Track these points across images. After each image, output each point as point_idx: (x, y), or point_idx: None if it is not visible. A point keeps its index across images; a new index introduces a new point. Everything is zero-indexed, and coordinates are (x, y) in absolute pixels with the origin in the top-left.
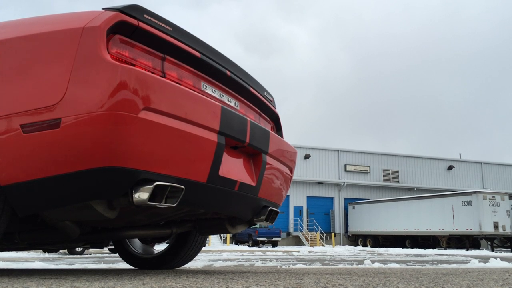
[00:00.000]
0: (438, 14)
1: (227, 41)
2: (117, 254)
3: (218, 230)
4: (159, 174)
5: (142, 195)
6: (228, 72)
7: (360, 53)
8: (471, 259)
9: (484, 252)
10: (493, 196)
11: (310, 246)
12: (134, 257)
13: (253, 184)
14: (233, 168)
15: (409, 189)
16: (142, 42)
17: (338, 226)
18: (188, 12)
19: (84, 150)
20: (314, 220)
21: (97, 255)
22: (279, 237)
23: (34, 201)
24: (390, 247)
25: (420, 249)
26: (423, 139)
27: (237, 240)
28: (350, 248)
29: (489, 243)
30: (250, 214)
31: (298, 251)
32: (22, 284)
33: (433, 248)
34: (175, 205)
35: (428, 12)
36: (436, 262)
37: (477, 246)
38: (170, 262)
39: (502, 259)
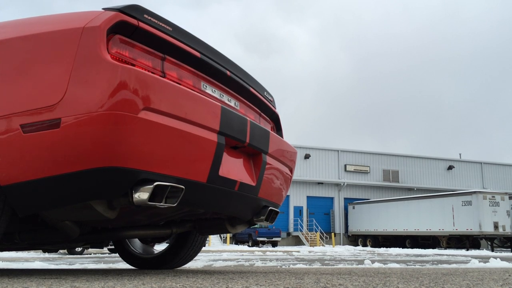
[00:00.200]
0: (438, 14)
1: (227, 41)
2: (117, 254)
3: (218, 230)
4: (159, 174)
5: (142, 195)
6: (228, 72)
7: (360, 53)
8: (471, 259)
9: (484, 252)
10: (493, 196)
11: (310, 246)
12: (134, 257)
13: (253, 184)
14: (233, 168)
15: (409, 189)
16: (142, 42)
17: (338, 226)
18: (188, 12)
19: (84, 150)
20: (314, 220)
21: (97, 255)
22: (279, 237)
23: (34, 201)
24: (390, 247)
25: (420, 249)
26: (423, 139)
27: (237, 240)
28: (350, 248)
29: (489, 243)
30: (250, 214)
31: (298, 251)
32: (22, 284)
33: (433, 248)
34: (175, 205)
35: (428, 12)
36: (436, 262)
37: (477, 246)
38: (170, 262)
39: (502, 259)
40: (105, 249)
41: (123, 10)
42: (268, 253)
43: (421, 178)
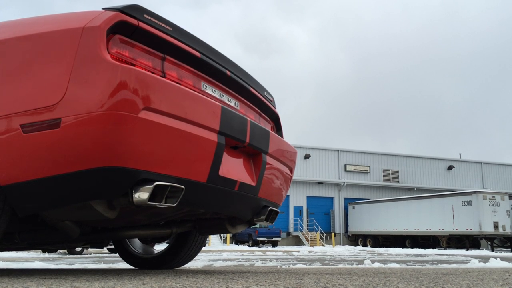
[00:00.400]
0: (438, 14)
1: (226, 41)
2: (117, 254)
3: (218, 230)
4: (159, 174)
5: (142, 195)
6: (228, 72)
7: (359, 53)
8: (471, 259)
9: (484, 252)
10: (493, 196)
11: (310, 246)
12: (134, 257)
13: (253, 184)
14: (233, 168)
15: (409, 189)
16: (142, 42)
17: (338, 226)
18: (187, 12)
19: (84, 150)
20: (314, 220)
21: (97, 255)
22: (279, 237)
23: (34, 201)
24: (390, 247)
25: (420, 249)
26: (423, 139)
27: (237, 240)
28: (350, 248)
29: (489, 243)
30: (250, 214)
31: (298, 251)
32: (22, 284)
33: (433, 248)
34: (175, 205)
35: (428, 12)
36: (436, 262)
37: (477, 246)
38: (170, 262)
39: (502, 259)
40: (105, 249)
41: (123, 10)
42: (268, 253)
43: (421, 178)
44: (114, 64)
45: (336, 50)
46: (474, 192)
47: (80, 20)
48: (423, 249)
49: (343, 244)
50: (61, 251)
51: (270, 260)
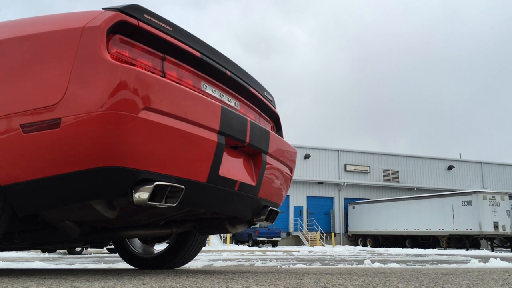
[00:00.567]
0: (438, 14)
1: (226, 41)
2: (117, 254)
3: (218, 230)
4: (159, 174)
5: (142, 195)
6: (228, 72)
7: (359, 53)
8: (471, 259)
9: (484, 252)
10: (493, 196)
11: (310, 246)
12: (134, 257)
13: (253, 184)
14: (233, 168)
15: (409, 189)
16: (142, 42)
17: (338, 226)
18: (187, 12)
19: (84, 150)
20: (314, 220)
21: (97, 255)
22: (279, 237)
23: (34, 201)
24: (390, 247)
25: (420, 249)
26: (423, 139)
27: (237, 240)
28: (350, 248)
29: (489, 243)
30: (250, 214)
31: (298, 251)
32: (22, 284)
33: (433, 248)
34: (175, 205)
35: (428, 12)
36: (436, 262)
37: (477, 246)
38: (170, 262)
39: (502, 259)
40: (105, 249)
41: (123, 10)
42: (268, 253)
43: (421, 178)
44: (114, 64)
45: (336, 50)
46: (474, 192)
47: (80, 20)
48: (423, 249)
49: (343, 244)
50: (61, 251)
51: (270, 260)
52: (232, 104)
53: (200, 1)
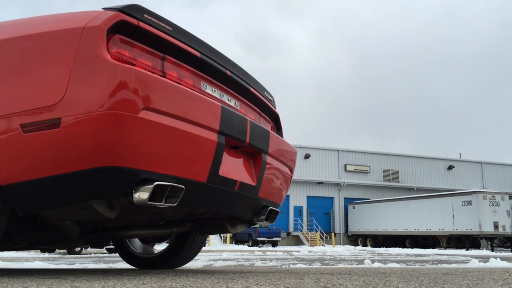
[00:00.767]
0: (438, 14)
1: (226, 41)
2: (117, 254)
3: (218, 230)
4: (159, 174)
5: (142, 195)
6: (228, 72)
7: (359, 53)
8: (471, 259)
9: (484, 252)
10: (493, 196)
11: (310, 246)
12: (134, 257)
13: (253, 184)
14: (233, 168)
15: (409, 189)
16: (142, 42)
17: (338, 226)
18: (187, 12)
19: (84, 150)
20: (314, 220)
21: (97, 255)
22: (279, 237)
23: (34, 201)
24: (390, 247)
25: (420, 249)
26: (423, 139)
27: (237, 240)
28: (350, 248)
29: (489, 243)
30: (250, 214)
31: (298, 251)
32: (22, 284)
33: (433, 248)
34: (175, 205)
35: (428, 12)
36: (436, 262)
37: (477, 246)
38: (170, 262)
39: (502, 259)
40: (104, 249)
41: (123, 10)
42: (268, 253)
43: (421, 178)
44: (114, 64)
45: (336, 50)
46: (474, 192)
47: (80, 20)
48: (423, 249)
49: (343, 244)
50: (61, 251)
51: (270, 260)
52: (232, 104)
53: (200, 1)
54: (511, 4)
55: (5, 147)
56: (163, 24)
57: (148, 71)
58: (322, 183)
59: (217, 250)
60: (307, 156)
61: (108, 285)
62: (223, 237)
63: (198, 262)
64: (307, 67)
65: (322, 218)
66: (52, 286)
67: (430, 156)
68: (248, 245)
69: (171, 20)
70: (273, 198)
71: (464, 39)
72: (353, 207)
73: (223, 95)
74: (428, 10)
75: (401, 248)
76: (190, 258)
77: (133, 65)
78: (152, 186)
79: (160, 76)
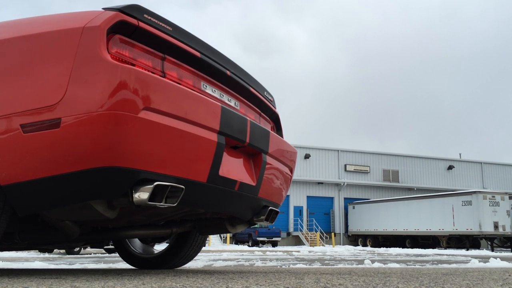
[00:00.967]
0: (437, 14)
1: (226, 41)
2: (116, 254)
3: (218, 230)
4: (159, 174)
5: (142, 195)
6: (228, 72)
7: (359, 53)
8: (471, 259)
9: (484, 252)
10: (493, 196)
11: (310, 246)
12: (134, 257)
13: (253, 184)
14: (233, 168)
15: (409, 189)
16: (142, 42)
17: (338, 226)
18: (186, 12)
19: (84, 150)
20: (314, 220)
21: (97, 255)
22: (279, 237)
23: (34, 201)
24: (390, 247)
25: (420, 249)
26: (423, 139)
27: (237, 240)
28: (350, 248)
29: (489, 243)
30: (250, 214)
31: (298, 251)
32: (22, 284)
33: (433, 248)
34: (175, 205)
35: (427, 12)
36: (436, 262)
37: (477, 246)
38: (170, 262)
39: (502, 259)
40: (103, 249)
41: (123, 10)
42: (268, 253)
43: (421, 178)
44: (114, 64)
45: (335, 50)
46: (474, 192)
47: (80, 20)
48: (423, 249)
49: (343, 244)
50: (60, 251)
51: (270, 260)
52: (232, 104)
53: (199, 1)
54: (510, 4)
55: (5, 147)
56: (163, 24)
57: (148, 71)
58: (322, 183)
59: (217, 250)
60: (307, 156)
61: (108, 285)
62: (223, 237)
63: (198, 262)
64: (306, 67)
65: (322, 218)
66: (52, 286)
67: (430, 156)
68: (248, 245)
69: (171, 20)
70: (273, 198)
71: (464, 39)
72: (353, 207)
73: (223, 95)
74: (427, 10)
75: (401, 248)
76: (190, 258)
77: (133, 65)
78: (152, 186)
79: (160, 76)
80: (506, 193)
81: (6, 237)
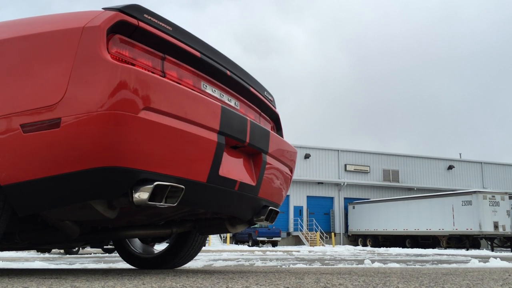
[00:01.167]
0: (437, 14)
1: (225, 41)
2: (116, 254)
3: (218, 230)
4: (159, 174)
5: (142, 195)
6: (228, 72)
7: (358, 53)
8: (471, 259)
9: (484, 252)
10: (493, 196)
11: (310, 246)
12: (134, 256)
13: (253, 184)
14: (233, 168)
15: (409, 189)
16: (142, 42)
17: (338, 226)
18: (186, 12)
19: (84, 150)
20: (314, 220)
21: (97, 255)
22: (279, 237)
23: (34, 201)
24: (390, 247)
25: (420, 249)
26: (423, 139)
27: (237, 240)
28: (350, 248)
29: (489, 243)
30: (250, 214)
31: (298, 251)
32: (22, 284)
33: (433, 248)
34: (175, 205)
35: (427, 12)
36: (436, 262)
37: (477, 246)
38: (170, 261)
39: (502, 259)
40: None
41: (123, 10)
42: (268, 253)
43: (421, 178)
44: (114, 64)
45: (335, 50)
46: (474, 192)
47: (80, 20)
48: (423, 249)
49: (343, 244)
50: (59, 250)
51: (270, 260)
52: (232, 104)
53: (199, 1)
54: (510, 4)
55: (5, 147)
56: (163, 24)
57: (148, 71)
58: (322, 183)
59: (217, 250)
60: (307, 156)
61: (108, 285)
62: (223, 237)
63: (198, 262)
64: (306, 67)
65: (322, 218)
66: (52, 286)
67: (430, 156)
68: (248, 245)
69: (171, 20)
70: (273, 198)
71: (464, 39)
72: (353, 207)
73: (223, 95)
74: (427, 10)
75: (401, 248)
76: (190, 258)
77: (133, 65)
78: (152, 186)
79: (160, 76)
80: (506, 193)
81: (6, 237)
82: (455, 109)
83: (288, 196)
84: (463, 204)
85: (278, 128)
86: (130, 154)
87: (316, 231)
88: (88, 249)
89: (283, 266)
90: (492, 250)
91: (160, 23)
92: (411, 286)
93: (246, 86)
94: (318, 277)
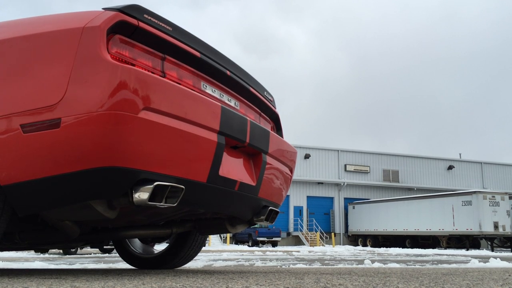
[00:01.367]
0: (437, 14)
1: (225, 41)
2: (116, 254)
3: (218, 230)
4: (159, 174)
5: (142, 195)
6: (228, 72)
7: (358, 53)
8: (471, 259)
9: (484, 252)
10: (493, 196)
11: (310, 246)
12: (134, 257)
13: (253, 184)
14: (233, 168)
15: (409, 189)
16: (142, 42)
17: (338, 226)
18: (186, 13)
19: (84, 150)
20: (314, 220)
21: (97, 255)
22: (279, 237)
23: (34, 201)
24: (390, 247)
25: (420, 249)
26: (423, 139)
27: (237, 240)
28: (350, 248)
29: (489, 243)
30: (250, 214)
31: (298, 251)
32: (22, 284)
33: (433, 248)
34: (175, 205)
35: (427, 12)
36: (436, 262)
37: (477, 246)
38: (170, 262)
39: (502, 259)
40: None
41: (123, 10)
42: (268, 253)
43: (421, 178)
44: (114, 64)
45: (335, 50)
46: (474, 192)
47: (80, 20)
48: (423, 249)
49: (343, 244)
50: (59, 250)
51: (270, 260)
52: (232, 104)
53: (199, 1)
54: (510, 4)
55: (5, 147)
56: (163, 24)
57: (148, 71)
58: (322, 183)
59: (217, 250)
60: (307, 156)
61: (108, 285)
62: (223, 237)
63: (198, 262)
64: (306, 67)
65: (322, 218)
66: (52, 286)
67: (430, 156)
68: (248, 245)
69: (171, 20)
70: (273, 198)
71: (464, 39)
72: (353, 207)
73: (223, 95)
74: (427, 10)
75: (401, 248)
76: (190, 258)
77: (133, 65)
78: (152, 186)
79: (160, 76)
80: (506, 193)
81: (6, 237)
82: (455, 109)
83: (288, 196)
84: (463, 204)
85: (278, 128)
86: (130, 154)
87: (316, 231)
88: (87, 249)
89: (283, 266)
90: (492, 250)
91: (160, 23)
92: (411, 286)
93: (246, 86)
94: (318, 277)
